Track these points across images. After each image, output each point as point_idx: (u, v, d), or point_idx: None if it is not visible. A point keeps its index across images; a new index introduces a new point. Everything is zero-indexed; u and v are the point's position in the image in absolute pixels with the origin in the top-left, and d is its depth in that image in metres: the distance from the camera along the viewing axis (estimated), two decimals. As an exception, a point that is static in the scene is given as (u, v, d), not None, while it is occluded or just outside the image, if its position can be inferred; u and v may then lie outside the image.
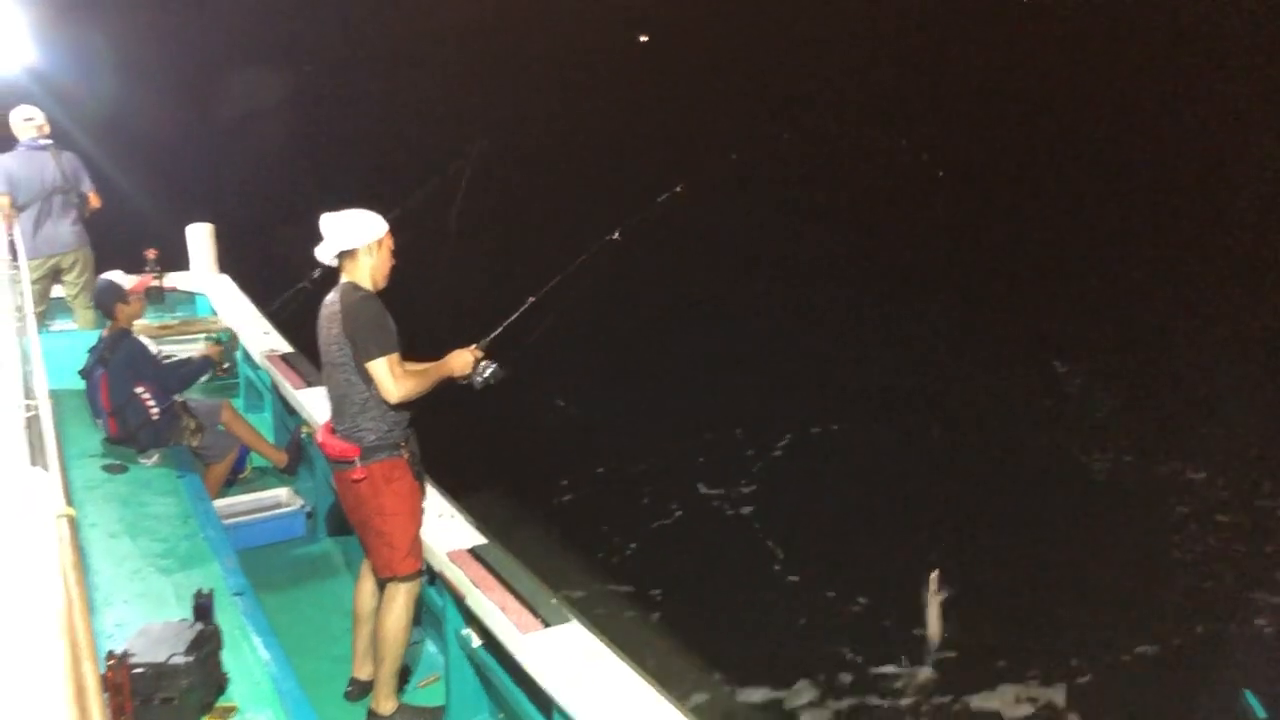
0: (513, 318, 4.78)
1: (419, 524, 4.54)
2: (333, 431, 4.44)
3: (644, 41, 42.60)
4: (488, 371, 4.56)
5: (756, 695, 6.45)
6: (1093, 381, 11.59)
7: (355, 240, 4.31)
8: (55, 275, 8.42)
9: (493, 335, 4.70)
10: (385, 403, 4.29)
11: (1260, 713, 6.10)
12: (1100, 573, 7.86)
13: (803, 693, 6.50)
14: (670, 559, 8.03)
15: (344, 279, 4.38)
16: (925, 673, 6.59)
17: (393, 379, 4.21)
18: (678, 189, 5.30)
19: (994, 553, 8.01)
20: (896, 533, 8.35)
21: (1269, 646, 6.95)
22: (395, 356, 4.24)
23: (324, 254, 4.38)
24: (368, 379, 4.25)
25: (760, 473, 9.55)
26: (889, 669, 6.67)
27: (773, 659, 6.82)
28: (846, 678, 6.64)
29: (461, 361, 4.52)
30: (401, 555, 4.44)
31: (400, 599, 4.46)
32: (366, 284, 4.36)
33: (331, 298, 4.38)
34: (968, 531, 8.32)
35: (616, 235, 5.06)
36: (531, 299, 4.82)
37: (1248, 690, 6.26)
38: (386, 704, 4.54)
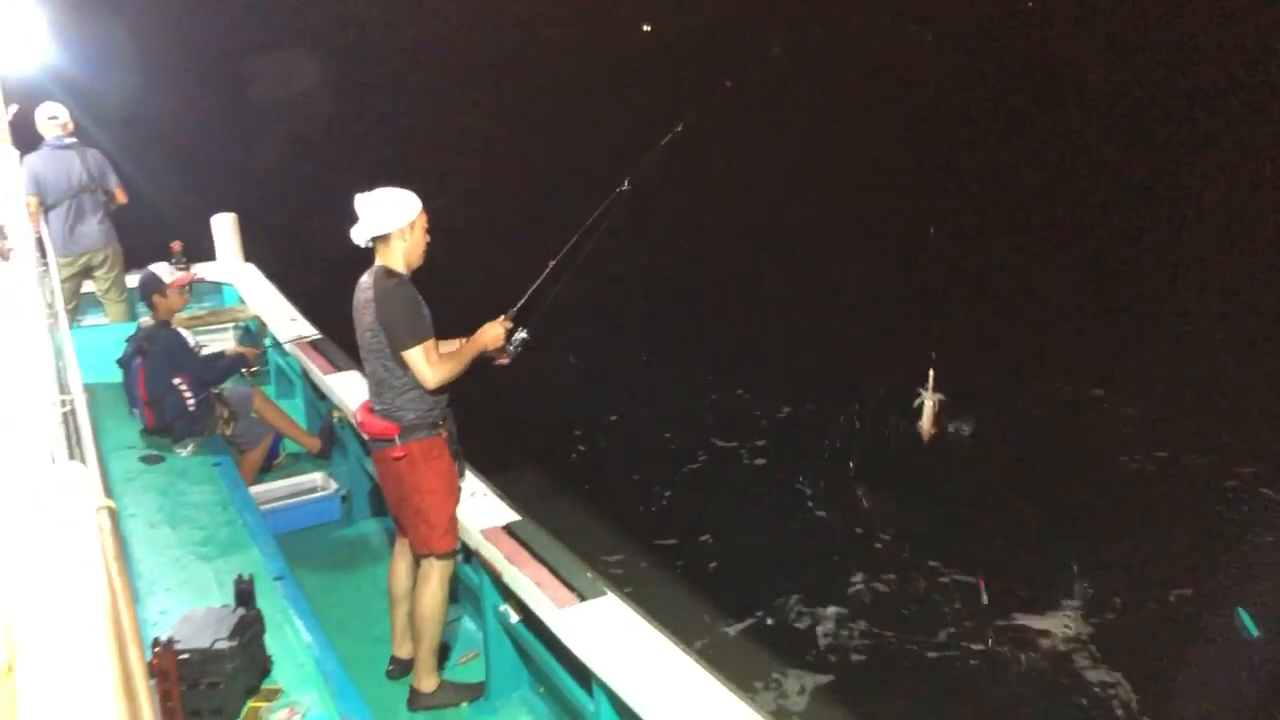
0: (537, 283, 4.72)
1: (456, 502, 4.58)
2: (371, 410, 4.48)
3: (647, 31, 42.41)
4: (516, 338, 4.59)
5: (793, 665, 6.47)
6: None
7: (389, 224, 4.29)
8: (85, 272, 8.50)
9: (519, 304, 4.68)
10: (421, 389, 4.32)
11: (1253, 630, 6.42)
12: (1109, 520, 8.06)
13: (843, 664, 6.52)
14: (705, 530, 8.05)
15: (378, 262, 4.38)
16: (968, 646, 6.61)
17: (429, 366, 4.23)
18: (679, 128, 5.21)
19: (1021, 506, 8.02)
20: (940, 505, 8.33)
21: (1262, 569, 7.20)
22: (431, 342, 4.26)
23: (358, 236, 4.36)
24: (404, 365, 4.28)
25: (798, 445, 9.54)
26: (932, 638, 6.68)
27: (810, 631, 6.83)
28: (889, 647, 6.65)
29: (493, 335, 4.51)
30: (440, 533, 4.48)
31: (435, 577, 4.51)
32: (400, 267, 4.35)
33: (365, 281, 4.37)
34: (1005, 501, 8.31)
35: (626, 185, 4.97)
36: (552, 262, 4.78)
37: (1241, 609, 6.58)
38: (427, 681, 4.60)
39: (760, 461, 9.20)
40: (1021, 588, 7.05)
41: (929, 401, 5.41)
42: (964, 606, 6.55)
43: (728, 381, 10.83)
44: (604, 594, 4.01)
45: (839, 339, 11.83)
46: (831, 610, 7.00)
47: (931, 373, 5.40)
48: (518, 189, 18.93)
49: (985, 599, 6.61)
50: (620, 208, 4.83)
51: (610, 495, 8.60)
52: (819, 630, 6.80)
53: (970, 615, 6.66)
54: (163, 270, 6.38)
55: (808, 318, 12.60)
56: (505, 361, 4.60)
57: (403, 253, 4.35)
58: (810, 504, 8.39)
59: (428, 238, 4.42)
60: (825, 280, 13.82)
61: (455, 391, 4.48)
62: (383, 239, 4.33)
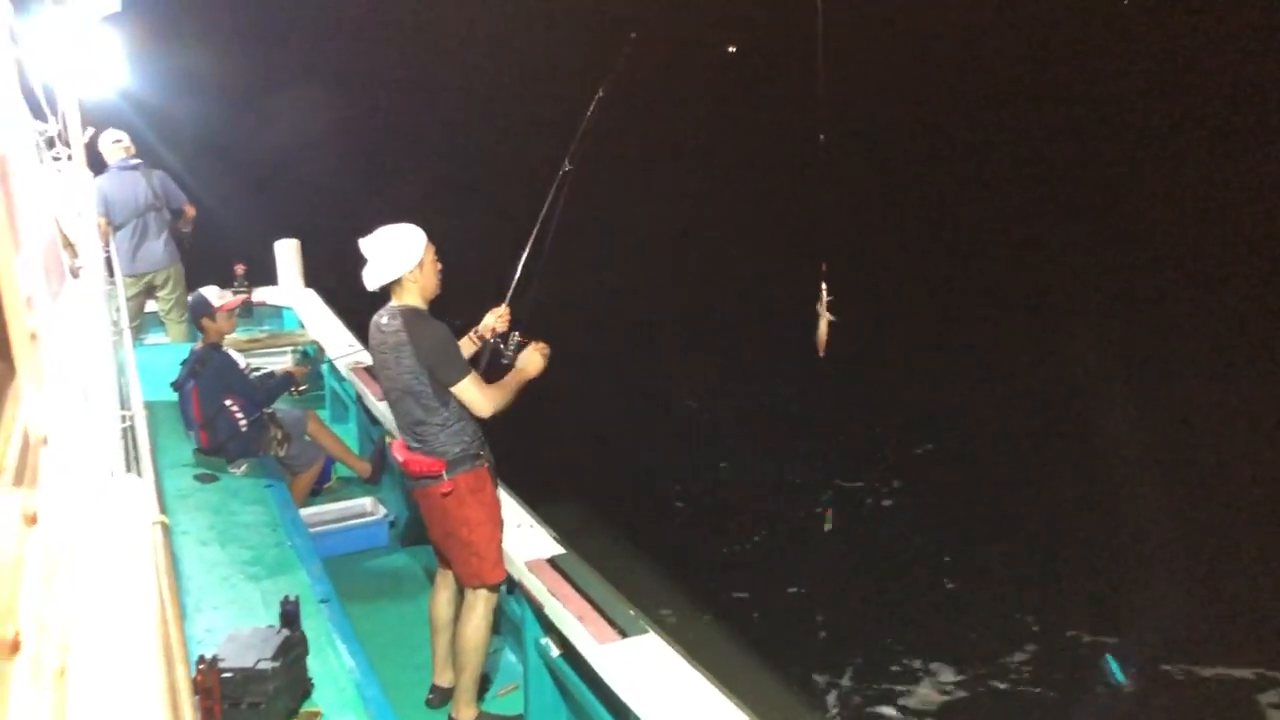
0: (518, 274, 4.82)
1: (502, 531, 4.60)
2: (409, 449, 4.48)
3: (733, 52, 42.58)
4: (513, 341, 4.67)
5: (834, 711, 6.39)
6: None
7: (399, 267, 4.28)
8: (149, 291, 8.67)
9: (509, 296, 4.80)
10: (464, 419, 4.35)
11: (1120, 677, 6.73)
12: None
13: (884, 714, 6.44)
14: (749, 570, 8.00)
15: (395, 301, 4.36)
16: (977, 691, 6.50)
17: (482, 395, 4.27)
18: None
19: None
20: (980, 548, 8.24)
21: (1126, 617, 7.41)
22: (474, 374, 4.32)
23: (370, 282, 4.34)
24: (446, 401, 4.30)
25: (847, 482, 9.46)
26: (983, 687, 6.60)
27: (853, 677, 6.75)
28: (938, 695, 6.56)
29: (535, 365, 4.53)
30: (490, 564, 4.49)
31: (480, 608, 4.52)
32: (420, 304, 4.37)
33: (388, 324, 4.33)
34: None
35: (569, 166, 4.93)
36: (525, 254, 4.82)
37: (1109, 655, 6.87)
38: (466, 711, 4.60)
39: (812, 502, 9.11)
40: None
41: (823, 318, 4.69)
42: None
43: (782, 414, 10.80)
44: (645, 631, 4.00)
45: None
46: (879, 659, 6.90)
47: (824, 287, 4.68)
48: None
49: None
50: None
51: (654, 530, 8.57)
52: (860, 677, 6.71)
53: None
54: (212, 294, 6.48)
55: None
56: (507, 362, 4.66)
57: (419, 290, 4.35)
58: (864, 546, 8.28)
59: (439, 266, 4.42)
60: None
61: (490, 423, 4.51)
62: (395, 281, 4.34)
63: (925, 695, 6.55)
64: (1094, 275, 15.22)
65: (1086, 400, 10.76)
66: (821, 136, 4.51)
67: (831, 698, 6.52)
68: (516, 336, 4.68)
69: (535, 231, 4.82)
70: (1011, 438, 10.18)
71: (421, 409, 4.35)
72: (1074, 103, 28.61)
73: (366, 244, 4.32)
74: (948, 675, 6.69)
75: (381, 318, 4.39)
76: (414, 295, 4.35)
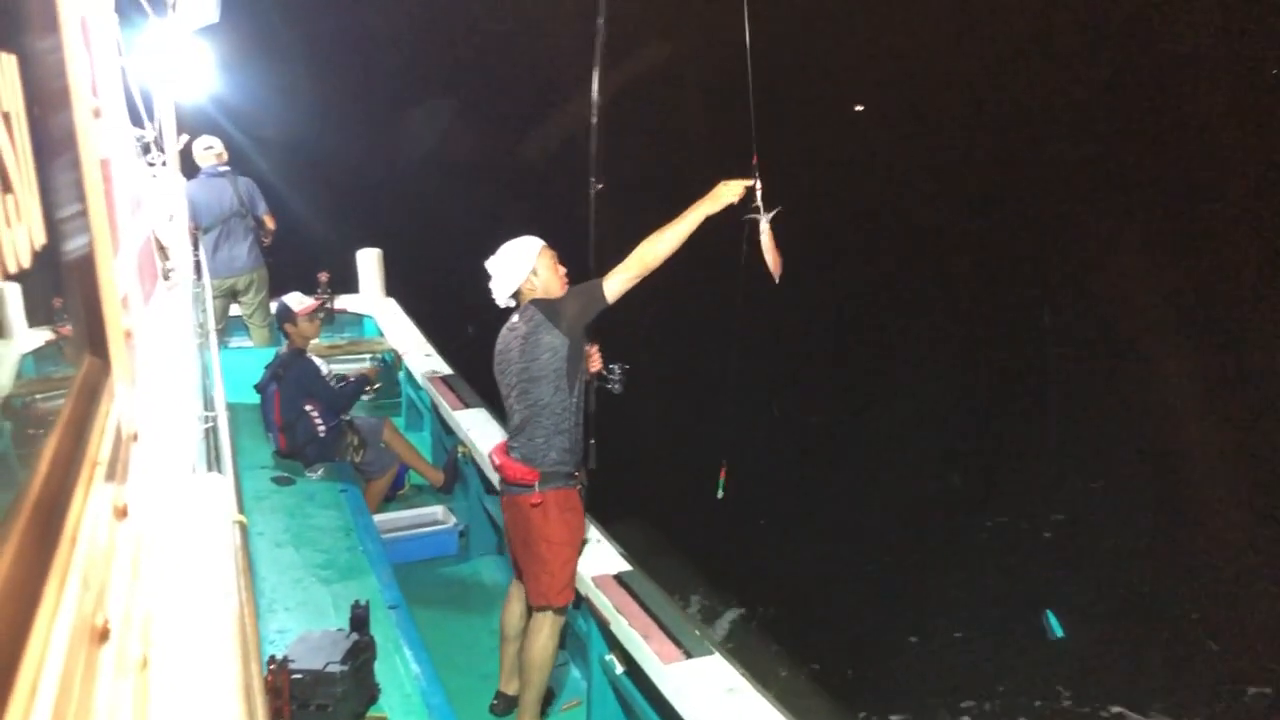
0: None
1: (578, 557, 4.61)
2: (508, 453, 4.51)
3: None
4: (617, 371, 4.65)
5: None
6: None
7: (514, 280, 4.37)
8: (233, 295, 8.86)
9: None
10: (569, 429, 4.36)
11: (1059, 631, 7.01)
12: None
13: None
14: (817, 594, 7.91)
15: (526, 302, 4.43)
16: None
17: (622, 268, 4.18)
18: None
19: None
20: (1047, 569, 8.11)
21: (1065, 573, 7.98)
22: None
23: (497, 298, 4.46)
24: (571, 385, 4.31)
25: (917, 505, 9.35)
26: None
27: (921, 702, 6.64)
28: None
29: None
30: (560, 586, 4.49)
31: (548, 628, 4.52)
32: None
33: (517, 321, 4.40)
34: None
35: (600, 186, 4.78)
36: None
37: (1049, 611, 7.16)
38: (529, 726, 4.61)
39: (882, 527, 9.00)
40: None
41: (763, 224, 4.14)
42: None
43: (858, 437, 10.71)
44: (710, 653, 3.97)
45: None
46: (951, 686, 6.79)
47: (759, 184, 4.12)
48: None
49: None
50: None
51: (723, 552, 8.51)
52: (934, 704, 6.61)
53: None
54: (294, 299, 6.59)
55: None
56: (619, 389, 4.66)
57: (542, 291, 4.40)
58: (938, 572, 8.16)
59: (561, 269, 4.44)
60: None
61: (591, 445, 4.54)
62: (517, 293, 4.42)
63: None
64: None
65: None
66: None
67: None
68: (616, 370, 4.67)
69: (592, 256, 4.80)
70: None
71: (529, 409, 4.35)
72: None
73: (489, 263, 4.43)
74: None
75: (511, 319, 4.47)
76: (540, 296, 4.41)
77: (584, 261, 4.68)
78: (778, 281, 4.20)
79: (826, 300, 15.33)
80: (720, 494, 4.52)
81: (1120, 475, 9.80)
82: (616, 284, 4.19)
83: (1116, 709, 6.46)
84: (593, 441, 4.74)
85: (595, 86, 4.69)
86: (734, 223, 4.14)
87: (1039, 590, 7.88)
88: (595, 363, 4.66)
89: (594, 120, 4.73)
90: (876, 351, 13.95)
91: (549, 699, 4.88)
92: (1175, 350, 12.40)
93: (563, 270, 4.46)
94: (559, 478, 4.40)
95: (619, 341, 4.80)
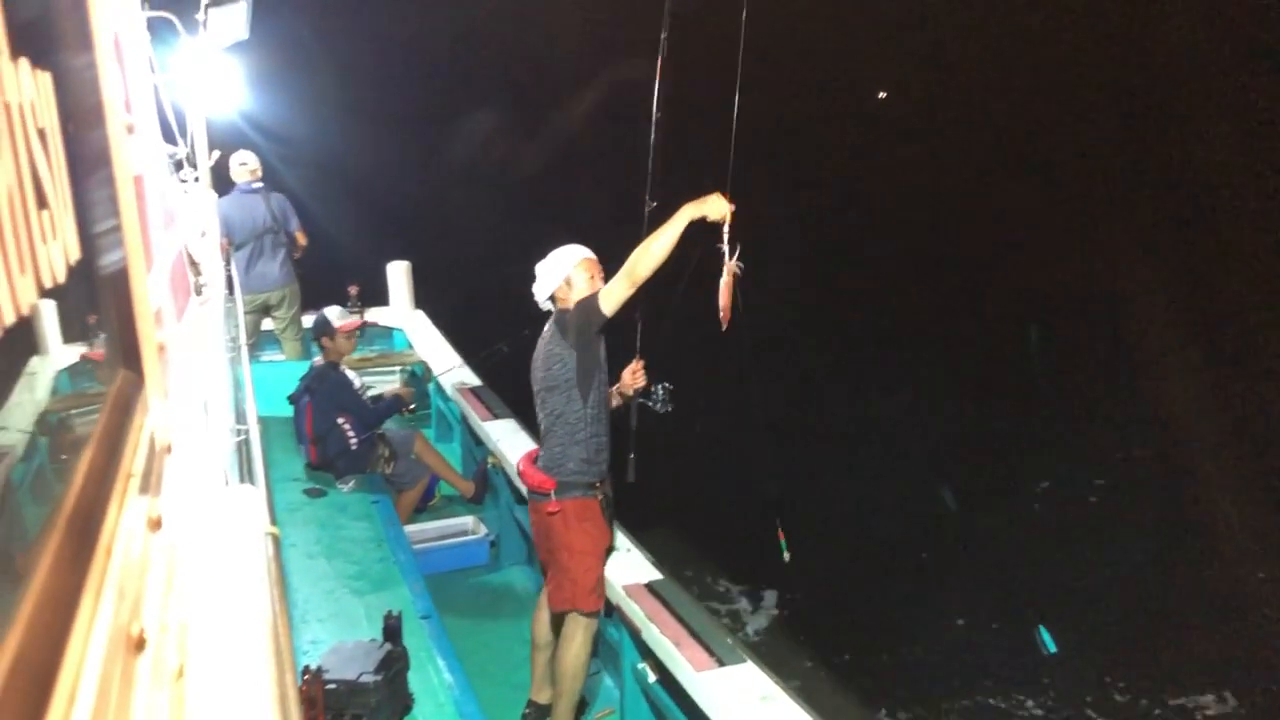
0: (639, 322, 4.69)
1: (604, 565, 4.61)
2: (534, 461, 4.57)
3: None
4: (661, 391, 4.65)
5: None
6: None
7: (549, 285, 4.46)
8: (265, 310, 8.93)
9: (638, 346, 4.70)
10: (590, 438, 4.39)
11: (1051, 647, 7.03)
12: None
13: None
14: (850, 601, 7.86)
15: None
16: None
17: (626, 264, 4.13)
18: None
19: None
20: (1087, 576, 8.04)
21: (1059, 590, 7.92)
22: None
23: (538, 300, 4.56)
24: (585, 396, 4.35)
25: (952, 513, 9.28)
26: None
27: (955, 710, 6.59)
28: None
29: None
30: (584, 592, 4.50)
31: (580, 635, 4.52)
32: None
33: (546, 329, 4.51)
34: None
35: (654, 205, 4.61)
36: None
37: (1042, 626, 7.17)
38: (562, 735, 4.61)
39: (914, 534, 8.94)
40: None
41: (726, 266, 4.07)
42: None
43: (884, 443, 10.66)
44: (743, 661, 3.96)
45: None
46: (985, 695, 6.74)
47: (728, 219, 4.06)
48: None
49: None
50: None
51: (755, 560, 8.48)
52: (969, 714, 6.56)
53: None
54: (334, 314, 6.64)
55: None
56: (665, 409, 4.65)
57: (574, 300, 4.43)
58: (972, 580, 8.09)
59: (599, 283, 4.43)
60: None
61: (614, 455, 4.54)
62: (552, 298, 4.50)
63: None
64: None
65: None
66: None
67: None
68: (660, 391, 4.67)
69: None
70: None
71: (553, 415, 4.42)
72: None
73: (537, 265, 4.53)
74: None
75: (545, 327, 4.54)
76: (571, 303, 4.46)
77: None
78: (724, 330, 4.16)
79: (842, 301, 15.35)
80: (786, 555, 4.68)
81: (1121, 479, 9.79)
82: (611, 296, 4.22)
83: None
84: (632, 455, 4.74)
85: (655, 103, 4.67)
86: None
87: (1055, 596, 7.84)
88: (638, 379, 4.68)
89: (652, 138, 4.70)
90: (889, 352, 13.91)
91: (581, 708, 4.88)
92: (1177, 351, 12.33)
93: (596, 279, 4.49)
94: (577, 487, 4.43)
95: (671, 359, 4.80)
